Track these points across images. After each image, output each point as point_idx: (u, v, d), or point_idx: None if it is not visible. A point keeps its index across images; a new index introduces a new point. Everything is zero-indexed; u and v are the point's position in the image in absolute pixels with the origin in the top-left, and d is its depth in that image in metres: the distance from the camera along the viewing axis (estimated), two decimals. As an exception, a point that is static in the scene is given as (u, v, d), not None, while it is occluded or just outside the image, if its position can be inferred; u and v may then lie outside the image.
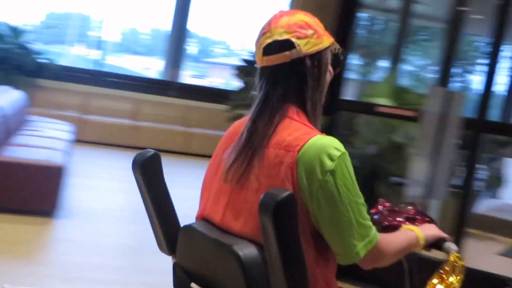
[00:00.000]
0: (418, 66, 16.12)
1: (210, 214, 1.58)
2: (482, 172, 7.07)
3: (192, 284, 1.54)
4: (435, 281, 1.64)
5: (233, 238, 1.46)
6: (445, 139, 3.99)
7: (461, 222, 4.09)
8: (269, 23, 1.53)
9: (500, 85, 8.94)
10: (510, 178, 7.20)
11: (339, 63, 1.61)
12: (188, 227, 1.58)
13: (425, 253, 1.71)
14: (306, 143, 1.41)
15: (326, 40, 1.55)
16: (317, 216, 1.41)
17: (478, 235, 6.32)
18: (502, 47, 4.09)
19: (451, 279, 1.62)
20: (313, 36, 1.52)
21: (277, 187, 1.39)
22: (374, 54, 7.54)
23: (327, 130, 4.44)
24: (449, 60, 4.44)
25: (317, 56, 1.53)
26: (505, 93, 8.82)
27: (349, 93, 4.99)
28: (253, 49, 1.59)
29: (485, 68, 4.06)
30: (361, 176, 4.89)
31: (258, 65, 1.56)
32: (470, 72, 17.42)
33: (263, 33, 1.53)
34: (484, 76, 4.07)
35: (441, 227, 1.72)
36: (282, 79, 1.51)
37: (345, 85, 4.65)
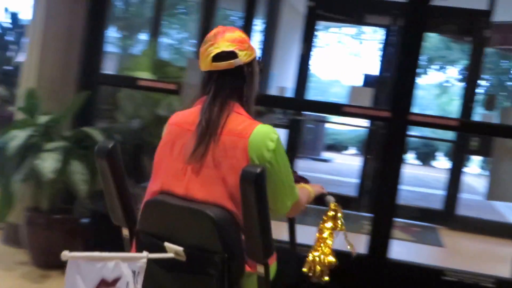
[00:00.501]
0: (177, 39, 16.39)
1: (171, 188, 1.94)
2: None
3: (166, 243, 1.86)
4: (328, 225, 2.23)
5: (201, 205, 1.86)
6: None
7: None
8: (215, 37, 1.99)
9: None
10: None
11: (260, 69, 2.08)
12: (155, 200, 1.94)
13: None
14: (253, 131, 1.90)
15: (254, 52, 2.04)
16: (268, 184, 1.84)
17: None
18: (254, 21, 4.31)
19: (329, 224, 2.23)
20: (248, 48, 2.01)
21: (235, 165, 1.85)
22: (133, 27, 7.44)
23: (86, 106, 4.29)
24: (206, 33, 4.51)
25: (251, 64, 2.02)
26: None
27: (109, 67, 4.85)
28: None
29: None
30: (125, 151, 4.77)
31: (203, 69, 2.01)
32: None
33: (211, 44, 1.98)
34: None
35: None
36: (228, 81, 1.97)
37: (104, 58, 4.51)
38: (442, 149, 17.25)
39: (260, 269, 1.85)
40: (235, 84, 1.99)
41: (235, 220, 1.85)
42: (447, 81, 21.20)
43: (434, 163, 17.05)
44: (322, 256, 2.17)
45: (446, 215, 6.83)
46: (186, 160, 1.93)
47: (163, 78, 4.88)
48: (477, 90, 7.06)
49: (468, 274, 3.99)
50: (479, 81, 7.37)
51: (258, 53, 2.08)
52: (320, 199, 2.28)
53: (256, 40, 9.65)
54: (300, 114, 7.23)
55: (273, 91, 9.53)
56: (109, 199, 2.09)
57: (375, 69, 6.80)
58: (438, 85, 22.44)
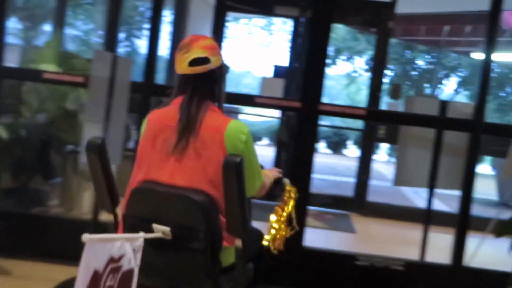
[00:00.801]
0: (84, 30, 15.86)
1: (156, 177, 2.26)
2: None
3: (154, 225, 2.14)
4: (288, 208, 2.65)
5: (185, 190, 2.19)
6: (115, 104, 3.99)
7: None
8: (190, 44, 2.30)
9: (164, 49, 9.34)
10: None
11: (226, 71, 2.40)
12: (143, 188, 2.25)
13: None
14: (228, 126, 2.25)
15: (222, 57, 2.37)
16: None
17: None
18: (163, 12, 4.23)
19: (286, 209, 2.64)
20: (218, 54, 2.35)
21: (214, 155, 2.20)
22: (36, 17, 7.11)
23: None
24: (114, 24, 4.39)
25: (220, 67, 2.36)
26: (168, 57, 9.25)
27: (11, 60, 4.62)
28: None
29: (148, 33, 4.14)
30: (31, 147, 4.57)
31: (180, 72, 2.31)
32: (136, 36, 17.84)
33: (187, 51, 2.28)
34: (148, 41, 4.16)
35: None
36: (203, 83, 2.30)
37: (6, 51, 4.28)
38: (352, 138, 17.76)
39: (238, 242, 2.26)
40: (208, 85, 2.33)
41: (214, 202, 2.20)
42: (354, 71, 21.82)
43: (344, 151, 17.53)
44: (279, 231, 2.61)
45: (357, 202, 7.04)
46: (169, 152, 2.25)
47: (69, 70, 4.70)
48: (383, 80, 7.30)
49: (379, 258, 4.12)
50: (384, 71, 7.63)
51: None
52: (277, 182, 2.64)
53: (165, 31, 9.51)
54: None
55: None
56: (97, 188, 2.38)
57: (285, 60, 6.86)
58: (346, 75, 23.06)
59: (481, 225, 5.00)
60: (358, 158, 7.41)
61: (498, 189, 9.41)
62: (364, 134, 7.28)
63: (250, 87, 45.24)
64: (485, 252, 4.71)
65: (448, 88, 21.62)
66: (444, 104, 4.40)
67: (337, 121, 24.88)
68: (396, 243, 5.94)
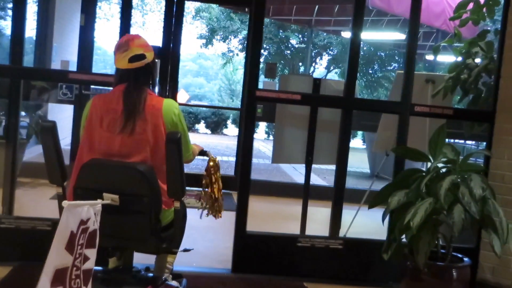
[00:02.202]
0: None
1: (105, 152, 2.69)
2: (24, 120, 6.96)
3: (104, 194, 2.52)
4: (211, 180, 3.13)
5: (132, 163, 2.63)
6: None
7: (12, 172, 3.96)
8: (127, 43, 2.78)
9: (30, 30, 8.84)
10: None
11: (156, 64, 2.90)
12: (93, 162, 2.65)
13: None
14: (163, 103, 2.77)
15: (153, 52, 2.86)
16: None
17: (31, 183, 6.29)
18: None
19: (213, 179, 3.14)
20: (151, 50, 2.84)
21: (155, 130, 2.69)
22: None
23: None
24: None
25: (153, 61, 2.86)
26: (35, 38, 8.77)
27: None
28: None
29: (13, 13, 3.89)
30: None
31: (121, 67, 2.78)
32: (1, 17, 16.70)
33: (125, 49, 2.77)
34: (13, 21, 3.91)
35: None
36: (141, 74, 2.79)
37: None
38: (230, 117, 17.91)
39: (176, 204, 2.67)
40: (145, 76, 2.82)
41: (154, 171, 2.63)
42: (230, 51, 21.94)
43: (224, 130, 17.66)
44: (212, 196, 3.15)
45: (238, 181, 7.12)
46: (117, 131, 2.68)
47: None
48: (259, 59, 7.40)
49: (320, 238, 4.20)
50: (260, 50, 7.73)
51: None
52: (203, 153, 3.11)
53: (31, 11, 9.01)
54: (87, 89, 6.93)
55: (56, 65, 9.01)
56: (50, 165, 2.73)
57: (159, 41, 6.74)
58: (222, 55, 23.13)
59: (356, 197, 5.26)
60: (237, 137, 7.48)
61: (370, 162, 9.94)
62: (242, 113, 7.35)
63: (125, 68, 44.15)
64: (360, 223, 4.96)
65: (321, 66, 22.41)
66: (317, 82, 4.55)
67: (216, 101, 24.97)
68: (278, 218, 6.09)
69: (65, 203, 2.25)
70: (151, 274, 2.94)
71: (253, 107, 4.10)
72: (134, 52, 2.77)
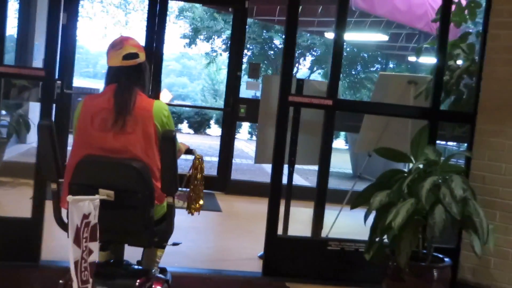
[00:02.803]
0: None
1: (97, 150, 2.75)
2: (5, 119, 6.89)
3: (100, 189, 2.61)
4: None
5: (125, 159, 2.71)
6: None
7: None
8: (121, 42, 2.88)
9: (11, 29, 8.75)
10: (35, 122, 7.22)
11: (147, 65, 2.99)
12: (87, 159, 2.73)
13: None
14: (154, 105, 2.83)
15: (145, 53, 2.95)
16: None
17: (11, 182, 6.22)
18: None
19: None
20: (143, 51, 2.94)
21: (146, 129, 2.76)
22: None
23: None
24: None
25: (145, 61, 2.94)
26: (16, 36, 8.69)
27: None
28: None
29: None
30: None
31: (113, 65, 2.87)
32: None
33: (120, 48, 2.86)
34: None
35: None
36: (133, 73, 2.87)
37: None
38: (213, 117, 17.88)
39: (169, 199, 2.76)
40: (137, 75, 2.89)
41: (148, 169, 2.73)
42: (214, 51, 21.90)
43: (208, 131, 17.62)
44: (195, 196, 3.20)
45: (221, 181, 7.11)
46: (107, 129, 2.75)
47: None
48: (242, 59, 7.41)
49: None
50: (243, 51, 7.73)
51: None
52: (188, 151, 3.21)
53: (12, 9, 8.92)
54: (69, 88, 6.88)
55: (38, 63, 8.92)
56: (46, 161, 2.83)
57: (142, 40, 6.71)
58: (206, 55, 23.09)
59: (339, 197, 5.27)
60: (220, 137, 7.47)
61: (352, 162, 9.98)
62: (226, 113, 7.34)
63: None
64: (343, 223, 4.98)
65: (304, 67, 22.44)
66: (300, 82, 4.55)
67: (199, 100, 24.92)
68: (260, 219, 6.09)
69: (69, 197, 2.46)
70: (141, 267, 3.05)
71: (285, 112, 4.10)
72: (127, 51, 2.86)
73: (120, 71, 2.85)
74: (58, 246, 4.33)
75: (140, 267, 3.05)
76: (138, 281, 2.80)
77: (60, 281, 2.75)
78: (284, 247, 4.17)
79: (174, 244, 3.01)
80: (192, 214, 3.19)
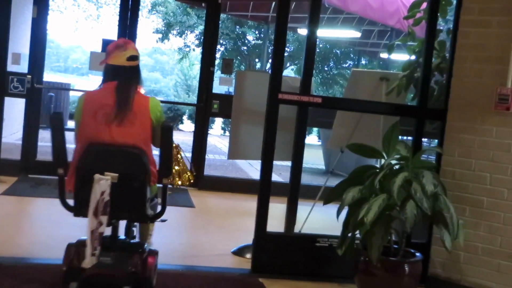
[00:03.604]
0: None
1: (100, 140, 3.17)
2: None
3: (106, 173, 2.99)
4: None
5: (127, 147, 3.17)
6: None
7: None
8: (125, 45, 3.34)
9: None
10: (4, 116, 7.09)
11: None
12: (94, 146, 3.16)
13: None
14: (149, 101, 3.29)
15: None
16: (156, 130, 3.27)
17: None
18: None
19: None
20: (139, 54, 3.38)
21: (144, 122, 3.21)
22: None
23: None
24: None
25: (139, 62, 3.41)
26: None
27: None
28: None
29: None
30: None
31: (118, 64, 3.27)
32: None
33: (124, 49, 3.29)
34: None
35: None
36: (133, 73, 3.30)
37: None
38: (186, 113, 17.80)
39: (165, 180, 3.25)
40: (136, 75, 3.31)
41: (146, 155, 3.19)
42: (187, 46, 21.78)
43: (180, 126, 17.53)
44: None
45: (195, 177, 7.09)
46: (109, 122, 3.15)
47: None
48: (215, 55, 7.39)
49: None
50: (216, 46, 7.71)
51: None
52: None
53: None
54: (40, 82, 6.78)
55: (8, 57, 8.75)
56: (57, 148, 3.21)
57: (114, 34, 6.67)
58: (178, 50, 22.95)
59: (312, 193, 5.30)
60: (193, 132, 7.44)
61: (325, 158, 10.04)
62: (198, 108, 7.31)
63: (79, 61, 43.38)
64: (315, 219, 5.00)
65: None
66: (274, 79, 4.54)
67: (171, 96, 24.78)
68: (234, 215, 6.10)
69: (96, 176, 2.95)
70: (135, 241, 3.55)
71: (275, 110, 4.08)
72: (132, 53, 3.29)
73: (122, 70, 3.26)
74: (7, 241, 4.28)
75: (134, 241, 3.53)
76: (134, 252, 3.23)
77: (69, 243, 3.22)
78: (271, 243, 4.17)
79: (162, 220, 3.45)
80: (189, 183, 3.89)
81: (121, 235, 3.41)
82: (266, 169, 4.14)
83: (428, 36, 4.20)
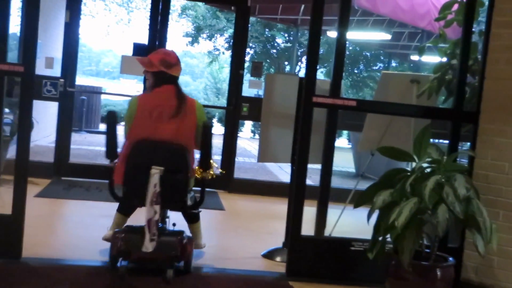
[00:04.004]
0: None
1: (150, 136, 3.71)
2: (9, 117, 6.89)
3: (153, 166, 3.55)
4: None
5: (173, 144, 3.70)
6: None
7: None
8: (177, 58, 3.96)
9: (15, 27, 8.75)
10: (38, 120, 7.23)
11: None
12: (141, 142, 3.69)
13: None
14: (195, 104, 3.90)
15: None
16: (198, 130, 3.85)
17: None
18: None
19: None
20: None
21: (191, 121, 3.82)
22: None
23: None
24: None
25: None
26: (20, 34, 8.68)
27: None
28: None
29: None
30: None
31: (176, 74, 3.93)
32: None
33: (179, 63, 3.97)
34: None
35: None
36: (175, 78, 3.92)
37: None
38: (216, 116, 17.87)
39: (204, 174, 3.82)
40: (177, 78, 3.94)
41: (188, 152, 3.73)
42: (216, 50, 21.89)
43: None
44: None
45: (224, 179, 7.11)
46: (162, 121, 3.74)
47: None
48: (244, 58, 7.41)
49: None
50: (246, 49, 7.73)
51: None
52: None
53: (15, 7, 8.92)
54: (72, 86, 6.89)
55: (41, 61, 8.91)
56: (112, 143, 3.75)
57: (144, 38, 6.75)
58: (208, 54, 23.07)
59: (342, 196, 5.27)
60: (223, 135, 7.47)
61: (355, 161, 9.97)
62: (228, 111, 7.34)
63: (110, 65, 43.91)
64: (345, 222, 4.97)
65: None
66: (303, 81, 4.54)
67: (201, 99, 24.91)
68: (263, 217, 6.10)
69: (154, 168, 3.54)
70: (176, 229, 3.91)
71: (309, 113, 4.06)
72: (180, 65, 3.99)
73: (175, 78, 3.91)
74: (40, 242, 4.35)
75: (174, 229, 3.92)
76: (177, 238, 3.73)
77: (116, 230, 3.81)
78: (305, 247, 4.16)
79: (197, 211, 4.16)
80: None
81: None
82: (301, 172, 4.13)
83: (464, 38, 4.14)
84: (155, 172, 3.52)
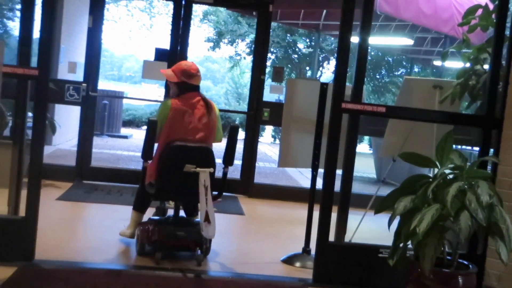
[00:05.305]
0: (-51, 11, 14.67)
1: (184, 138, 4.18)
2: (31, 121, 6.96)
3: (186, 165, 4.03)
4: None
5: (201, 144, 4.23)
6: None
7: (19, 173, 3.96)
8: (197, 68, 4.39)
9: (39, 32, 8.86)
10: (60, 124, 7.31)
11: None
12: (177, 145, 4.14)
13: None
14: (215, 106, 4.42)
15: None
16: (219, 127, 4.47)
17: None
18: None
19: None
20: None
21: (214, 122, 4.37)
22: None
23: None
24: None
25: None
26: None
27: None
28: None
29: (21, 14, 3.89)
30: None
31: (197, 84, 4.37)
32: (8, 18, 16.76)
33: (198, 71, 4.39)
34: (21, 22, 3.91)
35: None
36: (196, 86, 4.38)
37: None
38: (237, 121, 17.89)
39: (226, 169, 4.48)
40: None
41: (212, 151, 4.26)
42: (238, 54, 21.93)
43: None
44: None
45: (244, 184, 7.12)
46: (192, 123, 4.21)
47: None
48: (266, 63, 7.41)
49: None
50: (267, 54, 7.73)
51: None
52: None
53: (39, 12, 9.01)
54: (94, 90, 6.95)
55: (64, 66, 9.02)
56: (149, 146, 4.17)
57: (166, 43, 6.78)
58: (229, 59, 23.13)
59: (362, 202, 5.23)
60: (243, 140, 7.47)
61: (376, 167, 9.90)
62: (249, 116, 7.35)
63: (132, 70, 44.25)
64: (366, 228, 4.93)
65: (328, 71, 22.37)
66: (324, 86, 4.53)
67: (222, 104, 25.01)
68: (283, 223, 6.08)
69: (198, 169, 4.02)
70: (197, 220, 4.32)
71: (338, 119, 4.05)
72: (197, 72, 4.35)
73: (198, 87, 4.36)
74: (60, 244, 4.38)
75: (195, 219, 4.47)
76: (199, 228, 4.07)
77: (141, 222, 4.43)
78: (332, 253, 4.15)
79: (218, 200, 4.52)
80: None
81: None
82: (329, 178, 4.11)
83: (496, 43, 4.09)
84: (204, 171, 4.00)
